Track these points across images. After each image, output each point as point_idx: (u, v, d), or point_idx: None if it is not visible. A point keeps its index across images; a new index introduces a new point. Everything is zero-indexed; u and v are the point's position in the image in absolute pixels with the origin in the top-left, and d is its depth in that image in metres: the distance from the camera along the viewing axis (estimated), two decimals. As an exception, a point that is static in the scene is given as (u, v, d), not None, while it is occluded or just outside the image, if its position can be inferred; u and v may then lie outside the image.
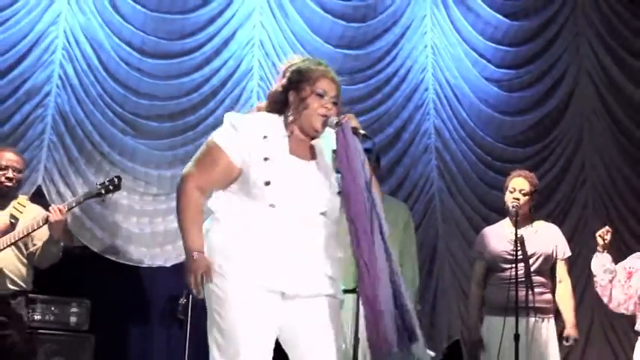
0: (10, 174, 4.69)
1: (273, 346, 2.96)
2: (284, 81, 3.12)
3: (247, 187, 2.97)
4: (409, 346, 2.92)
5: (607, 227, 4.96)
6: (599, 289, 4.96)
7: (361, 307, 4.69)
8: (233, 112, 3.17)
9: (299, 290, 2.96)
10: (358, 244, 2.91)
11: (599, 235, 4.91)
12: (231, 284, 2.91)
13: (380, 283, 2.88)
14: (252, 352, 2.88)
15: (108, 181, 4.65)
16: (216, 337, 2.93)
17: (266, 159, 2.97)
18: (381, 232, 2.95)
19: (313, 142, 3.10)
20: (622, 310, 4.93)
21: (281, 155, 3.01)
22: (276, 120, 3.09)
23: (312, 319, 2.98)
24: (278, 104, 3.12)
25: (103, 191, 4.61)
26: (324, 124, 3.04)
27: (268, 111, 3.14)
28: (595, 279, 4.96)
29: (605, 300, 4.94)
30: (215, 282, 2.94)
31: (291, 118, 3.07)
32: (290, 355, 3.02)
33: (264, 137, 3.01)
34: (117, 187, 4.66)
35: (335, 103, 3.07)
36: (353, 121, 3.01)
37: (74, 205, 4.65)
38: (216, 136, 3.05)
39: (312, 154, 3.10)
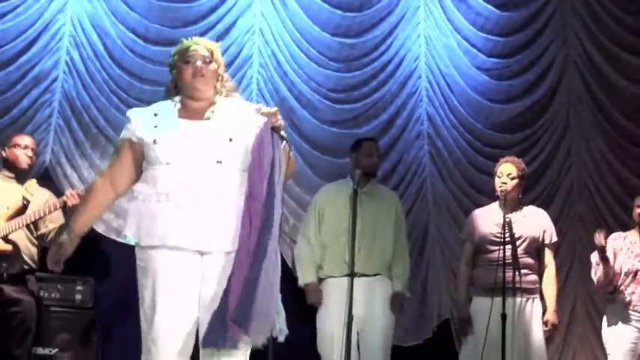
0: (30, 153, 4.89)
1: (194, 315, 3.01)
2: (170, 71, 3.31)
3: (146, 156, 3.10)
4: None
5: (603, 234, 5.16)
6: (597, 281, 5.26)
7: (336, 284, 4.89)
8: (128, 110, 3.32)
9: (209, 246, 3.01)
10: (247, 236, 2.96)
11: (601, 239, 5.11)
12: (149, 253, 3.02)
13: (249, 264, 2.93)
14: (170, 325, 2.97)
15: None
16: (142, 308, 3.03)
17: (155, 126, 3.11)
18: (270, 232, 2.97)
19: (212, 107, 3.19)
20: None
21: (169, 120, 3.14)
22: (168, 102, 3.24)
23: (212, 277, 3.02)
24: (172, 92, 3.27)
25: None
26: (201, 82, 3.17)
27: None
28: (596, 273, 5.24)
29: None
30: (137, 254, 3.07)
31: (177, 94, 3.24)
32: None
33: (155, 115, 3.16)
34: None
35: (208, 62, 3.20)
36: (274, 120, 3.07)
37: None
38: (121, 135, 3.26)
39: (199, 116, 3.17)
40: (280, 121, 3.10)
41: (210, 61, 3.22)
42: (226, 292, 2.92)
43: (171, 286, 2.99)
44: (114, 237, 5.73)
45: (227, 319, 2.89)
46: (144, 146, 3.09)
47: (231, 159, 3.06)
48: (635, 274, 5.21)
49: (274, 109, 3.13)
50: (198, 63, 3.18)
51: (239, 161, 3.08)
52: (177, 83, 3.24)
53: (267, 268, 2.93)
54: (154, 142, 3.05)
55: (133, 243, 3.09)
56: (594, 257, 5.29)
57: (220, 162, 3.05)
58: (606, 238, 5.17)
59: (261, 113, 3.10)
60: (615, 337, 5.26)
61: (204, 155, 3.04)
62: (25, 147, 4.90)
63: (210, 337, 2.93)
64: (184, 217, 3.00)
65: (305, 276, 5.11)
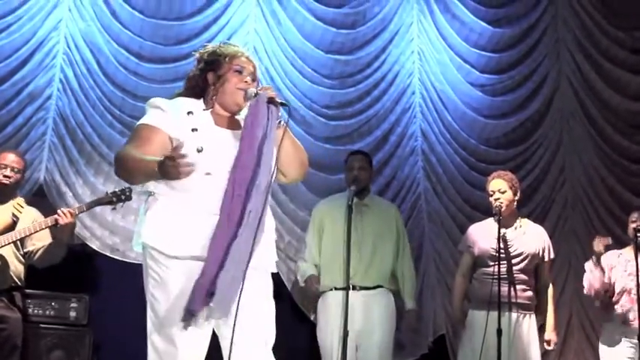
0: (7, 172, 4.82)
1: (210, 330, 2.96)
2: (201, 65, 3.18)
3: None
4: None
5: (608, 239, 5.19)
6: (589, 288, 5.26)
7: (335, 297, 4.90)
8: (153, 98, 3.15)
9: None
10: (229, 201, 2.89)
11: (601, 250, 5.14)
12: (167, 268, 2.89)
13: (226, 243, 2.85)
14: (186, 339, 2.88)
15: (119, 190, 4.72)
16: (152, 320, 2.95)
17: (194, 129, 2.98)
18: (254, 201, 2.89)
19: (237, 117, 3.14)
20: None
21: (207, 126, 3.04)
22: (196, 101, 3.12)
23: (250, 291, 2.92)
24: (197, 88, 3.16)
25: (114, 199, 4.69)
26: (245, 98, 3.06)
27: (186, 96, 3.17)
28: (589, 281, 5.25)
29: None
30: (150, 265, 2.94)
31: (211, 97, 3.11)
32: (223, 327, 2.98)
33: (189, 113, 3.04)
34: (128, 198, 4.73)
35: (253, 80, 3.13)
36: (270, 92, 3.03)
37: (84, 209, 4.73)
38: (143, 120, 3.08)
39: (237, 126, 3.11)
40: (274, 92, 3.04)
41: (254, 80, 3.16)
42: (207, 259, 2.85)
43: None
44: (108, 254, 5.75)
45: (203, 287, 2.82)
46: (180, 147, 2.90)
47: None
48: (630, 292, 5.21)
49: (267, 85, 3.12)
50: (249, 78, 3.13)
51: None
52: (214, 83, 3.13)
53: (245, 236, 2.85)
54: (199, 150, 2.93)
55: (140, 250, 3.01)
56: (588, 265, 5.29)
57: None
58: (606, 246, 5.17)
59: (255, 93, 3.04)
60: (612, 354, 5.26)
61: None
62: (5, 167, 4.84)
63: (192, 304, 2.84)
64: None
65: (306, 272, 5.17)
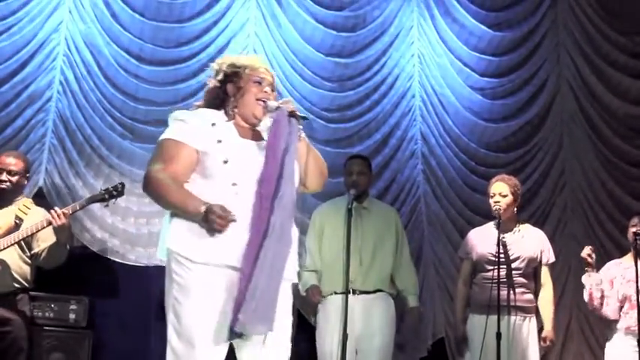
0: (3, 176, 4.79)
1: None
2: (220, 76, 3.20)
3: (206, 171, 3.01)
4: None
5: (590, 248, 5.18)
6: (592, 302, 5.23)
7: (335, 301, 4.90)
8: (176, 111, 3.19)
9: None
10: (257, 215, 2.94)
11: (588, 255, 5.13)
12: (192, 272, 2.94)
13: (258, 257, 2.89)
14: (206, 344, 2.91)
15: (112, 187, 4.74)
16: (174, 324, 2.96)
17: (219, 141, 3.03)
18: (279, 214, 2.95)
19: (259, 128, 3.18)
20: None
21: (232, 138, 3.08)
22: (218, 112, 3.15)
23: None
24: (217, 100, 3.19)
25: (106, 196, 4.70)
26: (265, 110, 3.12)
27: (206, 107, 3.21)
28: (588, 294, 5.22)
29: (597, 312, 5.25)
30: (175, 270, 2.98)
31: (231, 108, 3.14)
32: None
33: (213, 124, 3.08)
34: (120, 194, 4.75)
35: (272, 90, 3.18)
36: (290, 105, 3.08)
37: (78, 208, 4.73)
38: (167, 134, 3.09)
39: (259, 138, 3.16)
40: (294, 106, 3.10)
41: (273, 90, 3.20)
42: (241, 278, 2.90)
43: (218, 302, 2.94)
44: (108, 256, 5.75)
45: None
46: (205, 158, 3.00)
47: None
48: (630, 298, 5.20)
49: (288, 98, 3.14)
50: (268, 89, 3.16)
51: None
52: (234, 94, 3.16)
53: (272, 249, 2.91)
54: (225, 162, 2.99)
55: (164, 257, 3.04)
56: (584, 279, 5.29)
57: None
58: (591, 253, 5.17)
59: (277, 107, 3.08)
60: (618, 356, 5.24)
61: None
62: (0, 171, 4.82)
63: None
64: (245, 238, 2.94)
65: (307, 282, 5.16)
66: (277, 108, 3.08)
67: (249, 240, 2.91)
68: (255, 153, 3.08)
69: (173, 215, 3.04)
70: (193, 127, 3.06)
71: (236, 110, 3.15)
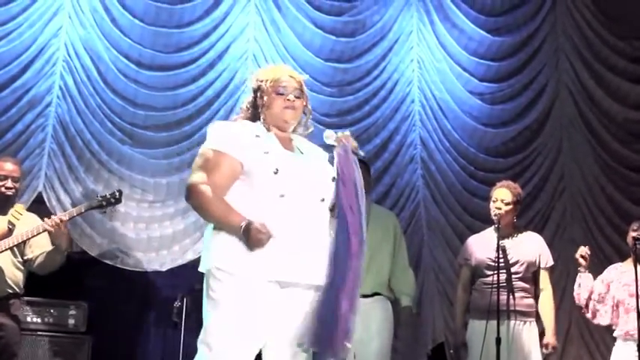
0: (9, 184, 4.77)
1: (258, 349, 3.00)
2: (252, 91, 3.25)
3: (254, 181, 3.01)
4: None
5: (585, 248, 5.16)
6: (578, 299, 5.24)
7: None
8: (217, 122, 3.25)
9: (309, 279, 3.02)
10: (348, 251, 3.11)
11: (581, 256, 5.13)
12: (228, 287, 2.93)
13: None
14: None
15: (109, 194, 4.74)
16: (207, 338, 2.94)
17: (266, 152, 3.04)
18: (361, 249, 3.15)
19: (295, 143, 3.21)
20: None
21: (277, 149, 3.09)
22: (257, 124, 3.18)
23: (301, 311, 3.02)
24: (252, 114, 3.23)
25: (104, 203, 4.70)
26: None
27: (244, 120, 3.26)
28: (579, 296, 5.23)
29: (588, 315, 5.25)
30: (212, 285, 2.97)
31: (265, 121, 3.17)
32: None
33: (257, 136, 3.10)
34: (118, 201, 4.75)
35: (298, 97, 3.18)
36: (353, 142, 3.13)
37: (75, 215, 4.71)
38: (209, 144, 3.09)
39: (296, 150, 3.20)
40: (355, 142, 3.14)
41: (299, 96, 3.20)
42: (335, 306, 2.99)
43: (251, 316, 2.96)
44: (107, 261, 5.73)
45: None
46: (252, 169, 3.02)
47: (329, 198, 3.11)
48: (623, 302, 5.20)
49: (347, 132, 3.17)
50: (291, 96, 3.16)
51: (330, 201, 3.12)
52: (262, 108, 3.18)
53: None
54: (275, 172, 3.00)
55: (205, 270, 3.04)
56: (579, 278, 5.30)
57: (323, 200, 3.09)
58: (585, 254, 5.15)
59: (336, 139, 3.12)
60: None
61: (313, 192, 3.07)
62: (5, 178, 4.78)
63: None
64: (294, 252, 2.98)
65: None
66: (337, 140, 3.11)
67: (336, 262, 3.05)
68: (299, 164, 3.10)
69: (215, 228, 3.04)
70: (237, 138, 3.07)
71: (269, 122, 3.18)
